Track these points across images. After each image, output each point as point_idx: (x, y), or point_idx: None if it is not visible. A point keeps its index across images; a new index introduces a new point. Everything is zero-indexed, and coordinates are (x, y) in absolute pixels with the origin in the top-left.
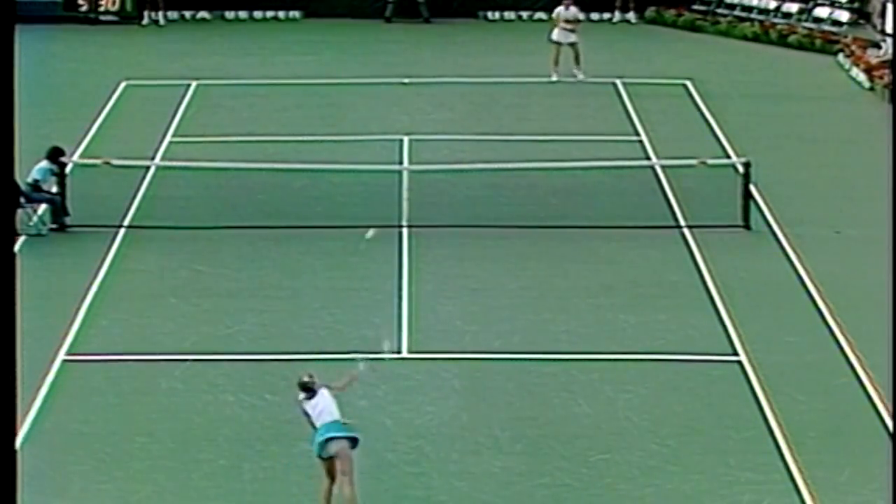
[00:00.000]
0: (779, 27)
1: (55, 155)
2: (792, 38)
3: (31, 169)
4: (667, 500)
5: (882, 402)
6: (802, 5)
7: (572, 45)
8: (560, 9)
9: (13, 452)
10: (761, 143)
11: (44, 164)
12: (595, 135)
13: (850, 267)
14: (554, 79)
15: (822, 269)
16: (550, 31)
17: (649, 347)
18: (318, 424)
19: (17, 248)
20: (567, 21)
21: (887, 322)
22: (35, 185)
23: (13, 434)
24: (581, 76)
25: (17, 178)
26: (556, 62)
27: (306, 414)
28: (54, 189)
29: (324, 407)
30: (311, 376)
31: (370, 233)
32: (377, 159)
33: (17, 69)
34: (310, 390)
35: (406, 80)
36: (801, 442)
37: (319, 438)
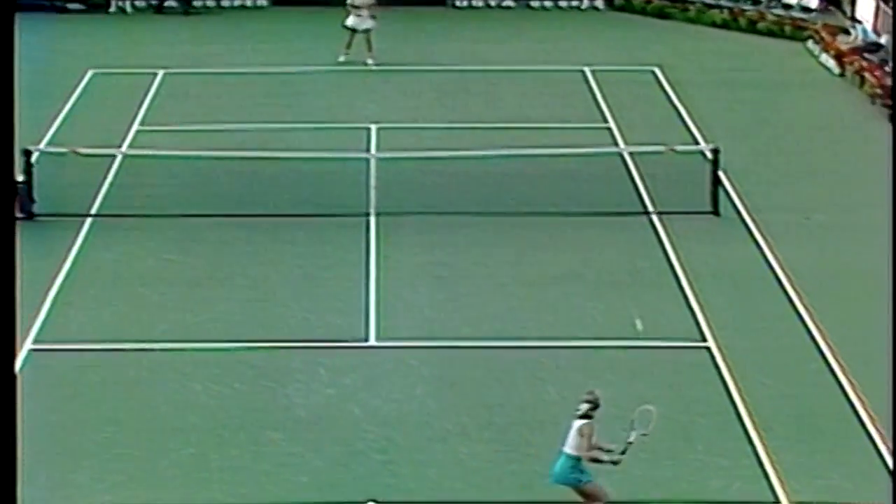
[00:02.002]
0: (748, 14)
1: None
2: (761, 25)
3: None
4: (636, 487)
5: (851, 386)
6: None
7: (366, 31)
8: None
9: (13, 448)
10: (730, 130)
11: None
12: (564, 122)
13: (820, 253)
14: (341, 59)
15: (792, 255)
16: (345, 18)
17: (618, 334)
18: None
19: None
20: (358, 7)
21: (858, 307)
22: None
23: (13, 429)
24: (371, 63)
25: None
26: (349, 46)
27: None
28: (20, 178)
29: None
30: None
31: (638, 323)
32: (345, 147)
33: None
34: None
35: (374, 68)
36: (770, 427)
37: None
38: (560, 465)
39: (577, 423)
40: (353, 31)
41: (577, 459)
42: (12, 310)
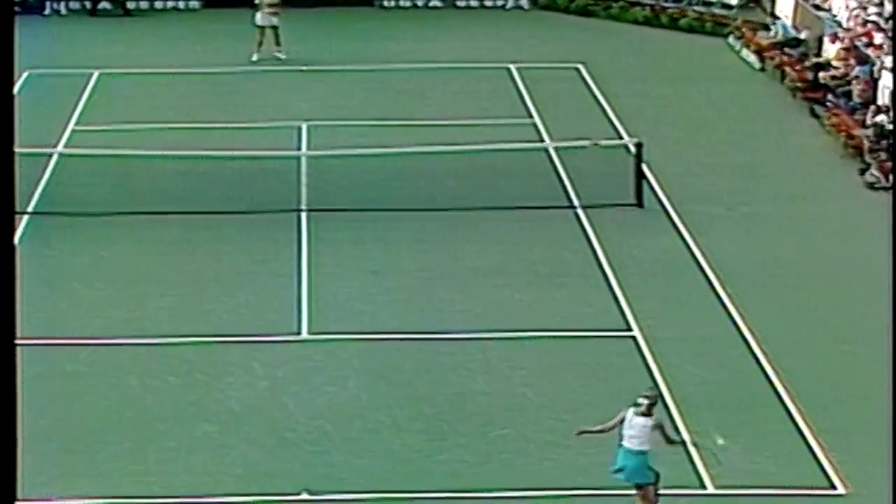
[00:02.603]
0: (669, 11)
1: None
2: (683, 22)
3: None
4: (563, 474)
5: (774, 372)
6: None
7: (274, 28)
8: None
9: (13, 449)
10: (653, 124)
11: None
12: (490, 118)
13: (742, 243)
14: (255, 58)
15: (714, 246)
16: (253, 16)
17: (545, 325)
18: (627, 444)
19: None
20: (270, 5)
21: (780, 296)
22: None
23: (14, 432)
24: (282, 56)
25: None
26: (260, 45)
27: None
28: None
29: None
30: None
31: (720, 439)
32: (277, 145)
33: None
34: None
35: (304, 68)
36: (695, 414)
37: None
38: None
39: (654, 418)
40: (262, 28)
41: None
42: (12, 310)
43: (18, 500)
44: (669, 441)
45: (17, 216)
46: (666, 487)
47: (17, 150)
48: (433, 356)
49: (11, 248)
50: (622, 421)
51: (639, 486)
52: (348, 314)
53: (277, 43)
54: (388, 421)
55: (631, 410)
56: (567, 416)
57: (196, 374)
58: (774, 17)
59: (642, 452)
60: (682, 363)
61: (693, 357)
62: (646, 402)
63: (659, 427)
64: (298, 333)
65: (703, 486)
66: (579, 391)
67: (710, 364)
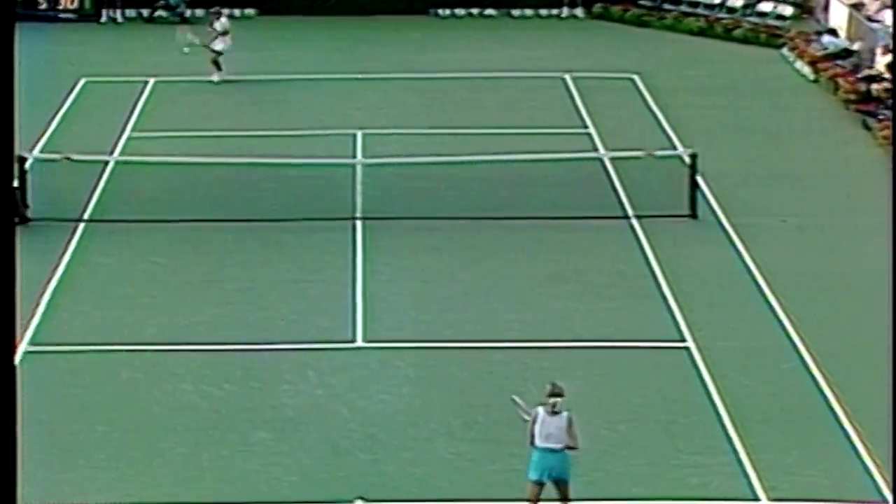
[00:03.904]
0: (724, 22)
1: None
2: (737, 32)
3: None
4: (616, 483)
5: (828, 384)
6: (747, 0)
7: (220, 52)
8: (214, 23)
9: (13, 449)
10: (707, 135)
11: None
12: (544, 128)
13: (795, 254)
14: (215, 79)
15: (768, 257)
16: (212, 40)
17: (598, 335)
18: (539, 444)
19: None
20: (224, 33)
21: (834, 308)
22: None
23: (13, 429)
24: (216, 79)
25: None
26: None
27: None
28: (14, 184)
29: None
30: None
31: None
32: (331, 153)
33: None
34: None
35: (359, 76)
36: (748, 425)
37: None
38: (563, 461)
39: (566, 416)
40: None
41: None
42: (12, 310)
43: None
44: (572, 445)
45: (73, 223)
46: (719, 499)
47: (75, 156)
48: (487, 365)
49: (12, 248)
50: (534, 423)
51: (562, 484)
52: (403, 322)
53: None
54: (441, 429)
55: (542, 410)
56: (621, 426)
57: (251, 381)
58: (828, 29)
59: (563, 450)
60: (736, 374)
61: (746, 368)
62: (553, 400)
63: (570, 425)
64: (353, 341)
65: (756, 498)
66: (633, 401)
67: (762, 376)
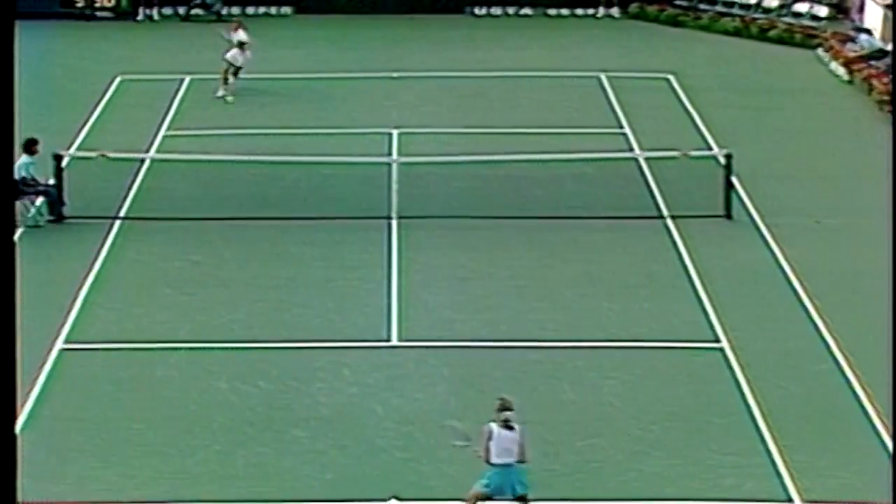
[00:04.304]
0: (759, 22)
1: (31, 146)
2: (772, 33)
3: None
4: (650, 484)
5: (861, 386)
6: (782, 0)
7: (238, 66)
8: (232, 34)
9: (13, 446)
10: (742, 135)
11: (24, 158)
12: (580, 127)
13: (829, 255)
14: (220, 94)
15: (802, 258)
16: (227, 50)
17: (633, 335)
18: (496, 461)
19: (15, 239)
20: (241, 44)
21: (868, 309)
22: (24, 181)
23: (13, 426)
24: (230, 98)
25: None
26: (231, 74)
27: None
28: (51, 181)
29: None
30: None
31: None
32: (367, 152)
33: (15, 64)
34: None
35: (395, 75)
36: (782, 427)
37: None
38: (522, 474)
39: (519, 429)
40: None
41: None
42: (12, 309)
43: (112, 502)
44: (522, 459)
45: (109, 220)
46: (753, 500)
47: (111, 154)
48: (522, 364)
49: (11, 248)
50: (490, 439)
51: (524, 498)
52: (438, 321)
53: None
54: (476, 429)
55: (494, 426)
56: (654, 426)
57: (286, 380)
58: (861, 29)
59: (520, 462)
60: (770, 376)
61: (780, 370)
62: (506, 414)
63: (523, 438)
64: (388, 340)
65: (790, 499)
66: (667, 402)
67: (797, 377)
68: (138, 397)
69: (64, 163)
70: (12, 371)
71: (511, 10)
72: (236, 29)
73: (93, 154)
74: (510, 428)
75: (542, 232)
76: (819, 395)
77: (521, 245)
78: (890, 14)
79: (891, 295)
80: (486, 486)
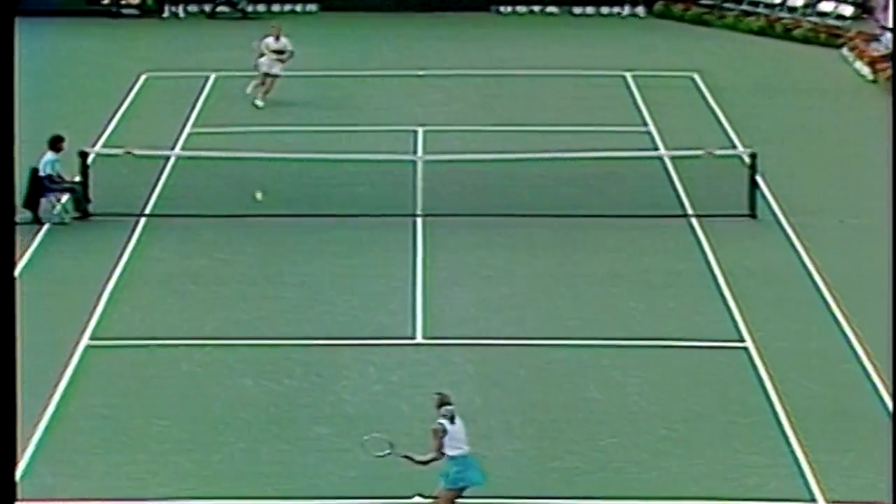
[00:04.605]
0: (784, 21)
1: (56, 143)
2: (797, 32)
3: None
4: (674, 483)
5: (885, 387)
6: (807, 0)
7: (275, 76)
8: (269, 39)
9: (13, 448)
10: (767, 135)
11: (50, 155)
12: (605, 125)
13: (854, 255)
14: (260, 104)
15: (827, 258)
16: (258, 58)
17: (657, 334)
18: (454, 453)
19: (41, 236)
20: (277, 52)
21: (888, 309)
22: (50, 178)
23: (13, 431)
24: (260, 104)
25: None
26: (266, 92)
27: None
28: (76, 179)
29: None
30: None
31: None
32: (392, 149)
33: (40, 62)
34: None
35: (421, 73)
36: (806, 427)
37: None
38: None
39: (459, 422)
40: (266, 75)
41: None
42: (12, 308)
43: (137, 499)
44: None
45: (134, 217)
46: (777, 500)
47: (136, 151)
48: (546, 363)
49: (11, 248)
50: (445, 435)
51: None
52: (462, 319)
53: (265, 93)
54: (500, 426)
55: (445, 421)
56: (678, 425)
57: (310, 377)
58: (884, 28)
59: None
60: (794, 375)
61: (804, 369)
62: (450, 408)
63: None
64: (413, 337)
65: (814, 500)
66: (690, 401)
67: (821, 377)
68: (163, 394)
69: (89, 160)
70: (12, 371)
71: (536, 9)
72: (277, 36)
73: (118, 151)
74: (454, 419)
75: (567, 230)
76: (843, 395)
77: (545, 243)
78: None
79: (891, 294)
80: (455, 481)
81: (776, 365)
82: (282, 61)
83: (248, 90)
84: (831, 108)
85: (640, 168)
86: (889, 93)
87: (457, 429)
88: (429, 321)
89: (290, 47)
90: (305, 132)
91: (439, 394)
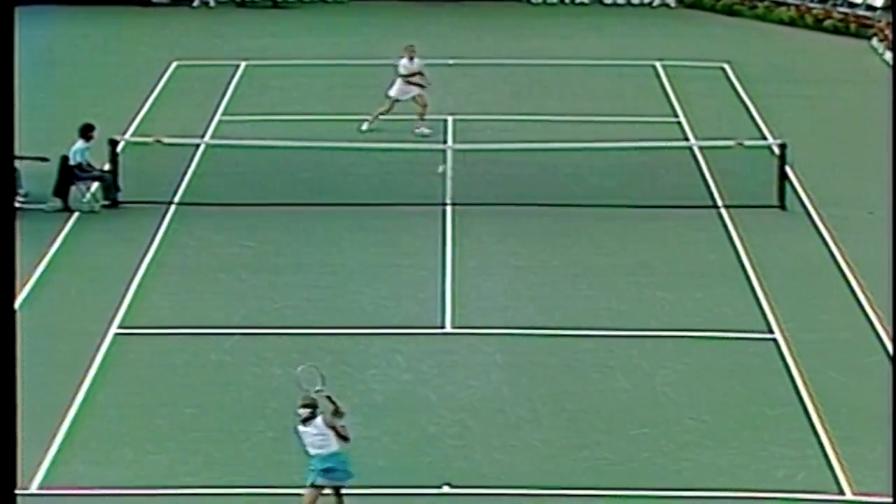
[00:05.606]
0: (814, 12)
1: (87, 131)
2: (827, 23)
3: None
4: (702, 474)
5: None
6: None
7: (414, 98)
8: (404, 61)
9: (13, 448)
10: (797, 125)
11: (80, 144)
12: (635, 116)
13: (883, 247)
14: (364, 127)
15: (856, 249)
16: (391, 85)
17: (686, 325)
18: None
19: (70, 224)
20: (411, 74)
21: None
22: (80, 166)
23: (13, 431)
24: (426, 131)
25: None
26: (386, 112)
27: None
28: (106, 167)
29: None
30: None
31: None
32: (422, 138)
33: (70, 50)
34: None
35: (451, 62)
36: (834, 418)
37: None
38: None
39: (319, 422)
40: (396, 101)
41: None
42: (11, 306)
43: (165, 487)
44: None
45: (164, 206)
46: (805, 491)
47: (166, 140)
48: (575, 353)
49: (11, 247)
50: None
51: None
52: (492, 308)
53: (421, 117)
54: (529, 417)
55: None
56: (707, 416)
57: (339, 366)
58: None
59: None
60: (823, 367)
61: (833, 361)
62: (308, 411)
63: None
64: (442, 327)
65: (842, 492)
66: (719, 392)
67: (850, 369)
68: (192, 382)
69: (119, 148)
70: (12, 371)
71: None
72: (411, 57)
73: (148, 139)
74: (307, 423)
75: (597, 220)
76: (871, 387)
77: (575, 233)
78: None
79: (891, 291)
80: (316, 479)
81: (805, 356)
82: (418, 85)
83: (364, 127)
84: (861, 99)
85: (670, 158)
86: None
87: (309, 432)
88: (458, 310)
89: (423, 70)
90: (335, 120)
91: (305, 396)
